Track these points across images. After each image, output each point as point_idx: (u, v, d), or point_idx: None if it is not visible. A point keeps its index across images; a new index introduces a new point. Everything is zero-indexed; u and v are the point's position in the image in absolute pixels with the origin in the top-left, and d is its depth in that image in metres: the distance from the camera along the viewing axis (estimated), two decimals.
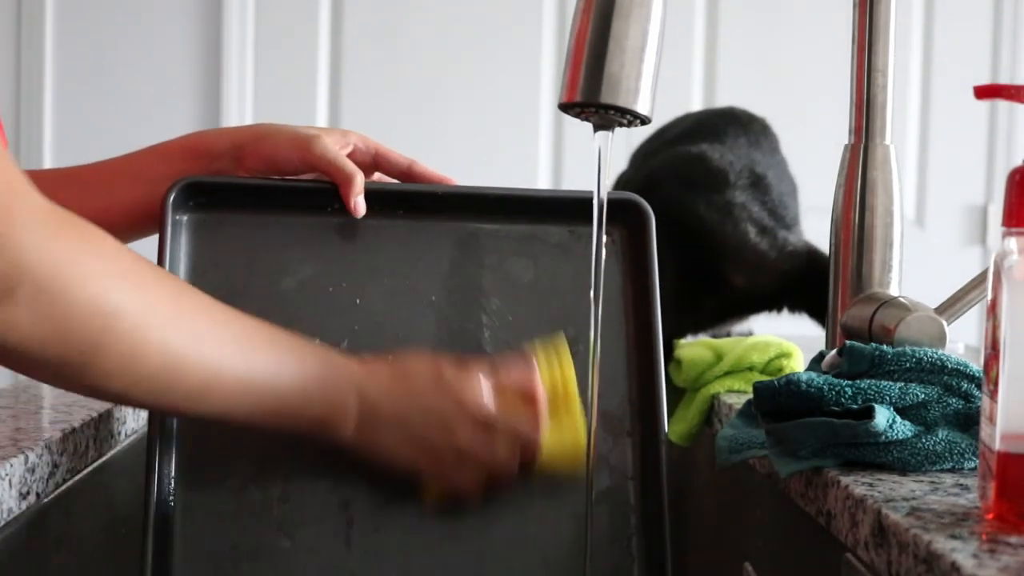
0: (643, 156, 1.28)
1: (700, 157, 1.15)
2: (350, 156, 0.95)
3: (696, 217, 1.10)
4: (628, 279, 0.98)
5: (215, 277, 0.92)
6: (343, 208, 0.92)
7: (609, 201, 0.91)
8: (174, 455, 0.89)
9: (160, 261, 0.90)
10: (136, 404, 0.76)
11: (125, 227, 0.95)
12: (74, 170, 0.99)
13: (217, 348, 0.75)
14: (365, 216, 0.94)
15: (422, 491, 0.86)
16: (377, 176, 0.99)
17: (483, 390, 0.82)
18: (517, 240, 0.98)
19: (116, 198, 0.95)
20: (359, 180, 0.91)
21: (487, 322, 0.97)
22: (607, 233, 0.94)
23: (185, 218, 0.95)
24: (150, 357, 0.71)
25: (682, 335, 1.16)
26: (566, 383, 0.86)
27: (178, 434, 0.89)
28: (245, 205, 0.96)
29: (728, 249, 1.10)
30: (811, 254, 1.12)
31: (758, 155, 1.25)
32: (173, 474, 0.89)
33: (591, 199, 0.83)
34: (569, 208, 0.98)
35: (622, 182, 1.23)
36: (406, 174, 0.98)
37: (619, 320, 0.96)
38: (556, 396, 0.85)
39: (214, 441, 0.90)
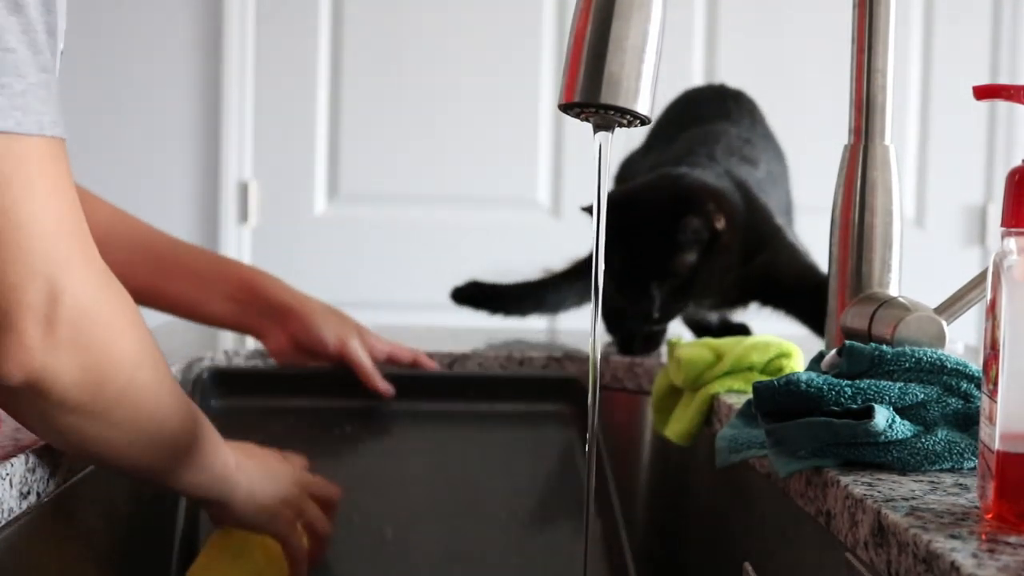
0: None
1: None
2: (370, 352, 1.16)
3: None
4: (580, 450, 1.12)
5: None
6: (359, 394, 1.13)
7: (554, 380, 1.17)
8: None
9: None
10: (114, 458, 0.79)
11: (145, 301, 1.09)
12: (151, 234, 1.12)
13: (171, 425, 0.80)
14: (371, 400, 1.13)
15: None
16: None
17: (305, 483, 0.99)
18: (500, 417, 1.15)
19: (164, 286, 1.09)
20: (372, 374, 1.14)
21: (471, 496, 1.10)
22: (556, 411, 1.14)
23: (213, 402, 1.11)
24: (151, 413, 0.76)
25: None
26: None
27: None
28: (267, 391, 1.14)
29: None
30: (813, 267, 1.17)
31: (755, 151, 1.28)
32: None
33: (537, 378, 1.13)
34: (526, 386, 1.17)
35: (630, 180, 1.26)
36: (413, 366, 1.20)
37: (576, 489, 1.09)
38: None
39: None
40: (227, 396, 1.12)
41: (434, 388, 1.17)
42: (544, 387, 1.17)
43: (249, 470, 0.91)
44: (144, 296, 1.10)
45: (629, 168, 1.40)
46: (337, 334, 1.13)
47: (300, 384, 1.14)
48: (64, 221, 0.67)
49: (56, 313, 0.66)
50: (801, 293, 1.17)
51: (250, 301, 1.12)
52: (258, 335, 1.15)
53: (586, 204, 1.25)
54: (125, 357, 0.72)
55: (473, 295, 1.47)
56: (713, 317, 1.32)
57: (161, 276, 1.10)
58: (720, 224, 1.13)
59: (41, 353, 0.65)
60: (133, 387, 0.73)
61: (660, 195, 1.15)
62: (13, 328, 0.64)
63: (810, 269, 1.20)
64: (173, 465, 0.83)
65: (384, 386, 1.14)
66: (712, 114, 1.35)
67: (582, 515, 0.99)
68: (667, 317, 1.19)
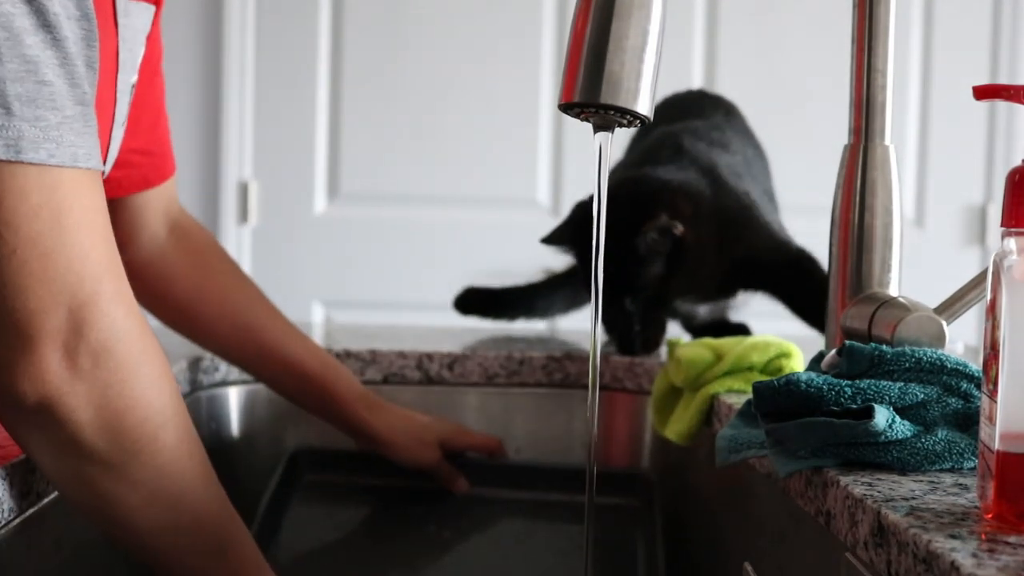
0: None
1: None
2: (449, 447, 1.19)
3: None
4: (645, 543, 1.12)
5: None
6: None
7: (623, 474, 1.18)
8: None
9: None
10: (126, 526, 0.75)
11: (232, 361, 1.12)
12: (260, 316, 1.11)
13: (196, 506, 0.76)
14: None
15: None
16: None
17: None
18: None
19: (263, 375, 1.12)
20: (458, 480, 1.18)
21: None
22: (618, 507, 1.14)
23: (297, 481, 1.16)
24: (174, 482, 0.74)
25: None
26: None
27: None
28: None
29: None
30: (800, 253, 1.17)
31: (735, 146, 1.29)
32: None
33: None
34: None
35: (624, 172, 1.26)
36: (493, 453, 1.22)
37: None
38: None
39: None
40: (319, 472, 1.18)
41: (507, 476, 1.20)
42: (612, 480, 1.17)
43: None
44: (241, 366, 1.13)
45: (611, 177, 1.39)
46: (417, 465, 1.16)
47: (375, 464, 1.18)
48: (92, 254, 0.67)
49: (78, 344, 0.66)
50: (778, 270, 1.17)
51: (345, 423, 1.14)
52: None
53: (583, 198, 1.26)
54: (150, 409, 0.71)
55: (473, 302, 1.47)
56: (702, 311, 1.32)
57: (263, 365, 1.11)
58: (678, 230, 1.13)
59: (57, 379, 0.66)
60: (155, 445, 0.72)
61: (619, 205, 1.15)
62: (33, 351, 0.65)
63: (786, 244, 1.20)
64: (193, 559, 0.78)
65: (461, 485, 1.19)
66: (684, 114, 1.35)
67: None
68: (652, 326, 1.19)
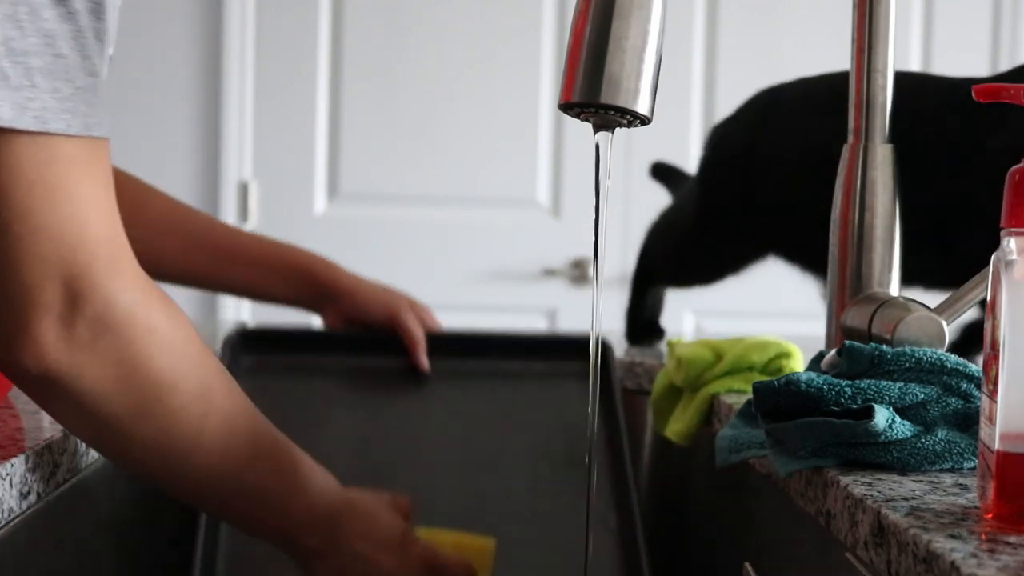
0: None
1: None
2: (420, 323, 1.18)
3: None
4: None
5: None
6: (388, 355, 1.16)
7: (570, 340, 1.20)
8: None
9: None
10: (149, 476, 0.82)
11: (207, 286, 1.21)
12: (210, 223, 1.22)
13: (224, 455, 0.79)
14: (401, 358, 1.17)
15: None
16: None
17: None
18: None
19: (225, 272, 1.16)
20: (424, 345, 1.16)
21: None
22: (570, 372, 1.16)
23: (244, 359, 1.13)
24: (183, 439, 0.76)
25: None
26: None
27: None
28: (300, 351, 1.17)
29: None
30: None
31: None
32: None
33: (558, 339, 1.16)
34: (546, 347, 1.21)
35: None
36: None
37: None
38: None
39: None
40: (258, 354, 1.16)
41: (462, 346, 1.20)
42: (569, 346, 1.20)
43: (350, 537, 0.86)
44: (205, 282, 1.19)
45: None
46: (387, 308, 1.17)
47: (331, 343, 1.19)
48: (91, 226, 0.68)
49: (75, 315, 0.67)
50: None
51: (306, 284, 1.18)
52: (316, 312, 1.22)
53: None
54: (160, 375, 0.72)
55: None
56: None
57: (221, 264, 1.16)
58: None
59: (56, 351, 0.67)
60: (165, 410, 0.73)
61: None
62: (29, 326, 0.67)
63: None
64: (223, 507, 0.83)
65: (423, 362, 1.17)
66: None
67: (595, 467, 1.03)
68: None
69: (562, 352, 1.19)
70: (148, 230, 1.08)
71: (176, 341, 0.74)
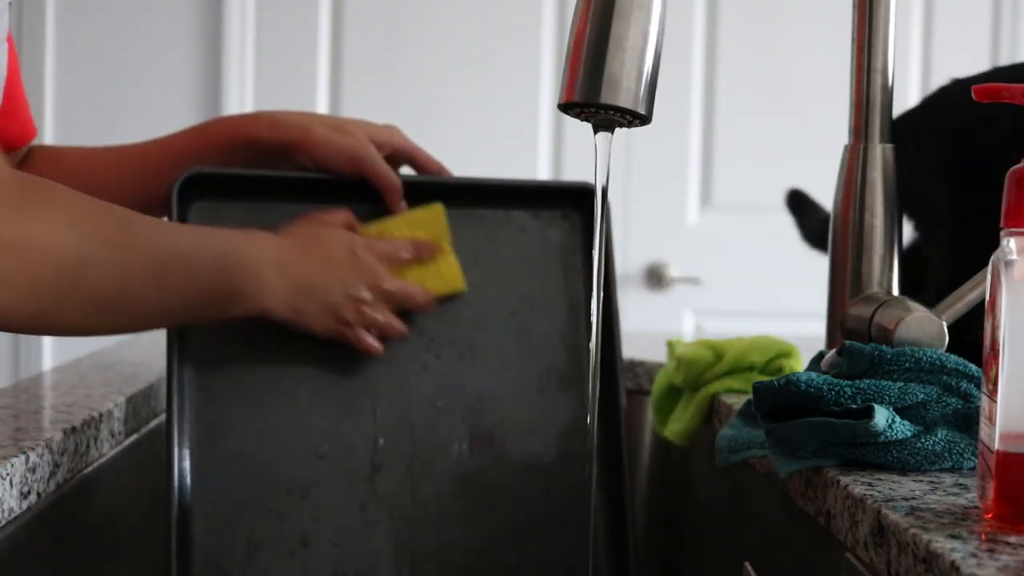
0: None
1: None
2: (387, 157, 1.05)
3: None
4: (587, 259, 1.08)
5: None
6: (350, 199, 1.02)
7: (566, 188, 1.12)
8: (188, 454, 0.95)
9: None
10: (99, 333, 0.87)
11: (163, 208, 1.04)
12: (126, 148, 1.07)
13: (155, 280, 0.81)
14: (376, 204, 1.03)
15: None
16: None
17: (385, 267, 0.97)
18: (490, 223, 1.09)
19: (162, 179, 1.01)
20: (400, 189, 1.03)
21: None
22: (565, 217, 1.09)
23: (192, 206, 1.00)
24: (114, 301, 0.79)
25: None
26: (441, 238, 1.04)
27: (192, 433, 0.95)
28: (251, 196, 1.02)
29: None
30: None
31: None
32: (189, 471, 0.93)
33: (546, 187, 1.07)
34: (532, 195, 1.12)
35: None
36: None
37: (578, 293, 1.07)
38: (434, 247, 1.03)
39: (232, 431, 0.96)
40: (210, 200, 1.00)
41: (448, 194, 1.08)
42: (557, 195, 1.12)
43: (295, 280, 0.91)
44: (144, 199, 1.01)
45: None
46: (349, 156, 1.01)
47: (293, 187, 1.03)
48: None
49: None
50: None
51: (245, 151, 1.02)
52: None
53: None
54: (61, 261, 0.73)
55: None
56: None
57: (154, 175, 1.02)
58: None
59: None
60: (84, 288, 0.75)
61: None
62: None
63: None
64: (180, 320, 0.88)
65: (401, 207, 1.04)
66: None
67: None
68: None
69: (550, 199, 1.11)
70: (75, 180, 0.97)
71: (71, 218, 0.75)
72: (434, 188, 1.07)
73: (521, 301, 1.07)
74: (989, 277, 0.57)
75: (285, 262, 0.91)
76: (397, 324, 0.98)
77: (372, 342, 0.97)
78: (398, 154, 1.07)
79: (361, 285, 0.95)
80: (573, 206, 1.10)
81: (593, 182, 0.79)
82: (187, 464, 0.94)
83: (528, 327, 1.06)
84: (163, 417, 1.04)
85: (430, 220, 1.04)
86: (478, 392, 1.03)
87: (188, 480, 0.94)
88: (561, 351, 1.05)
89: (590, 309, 1.06)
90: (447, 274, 1.04)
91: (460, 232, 1.06)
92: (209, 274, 0.86)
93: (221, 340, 0.97)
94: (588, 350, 1.04)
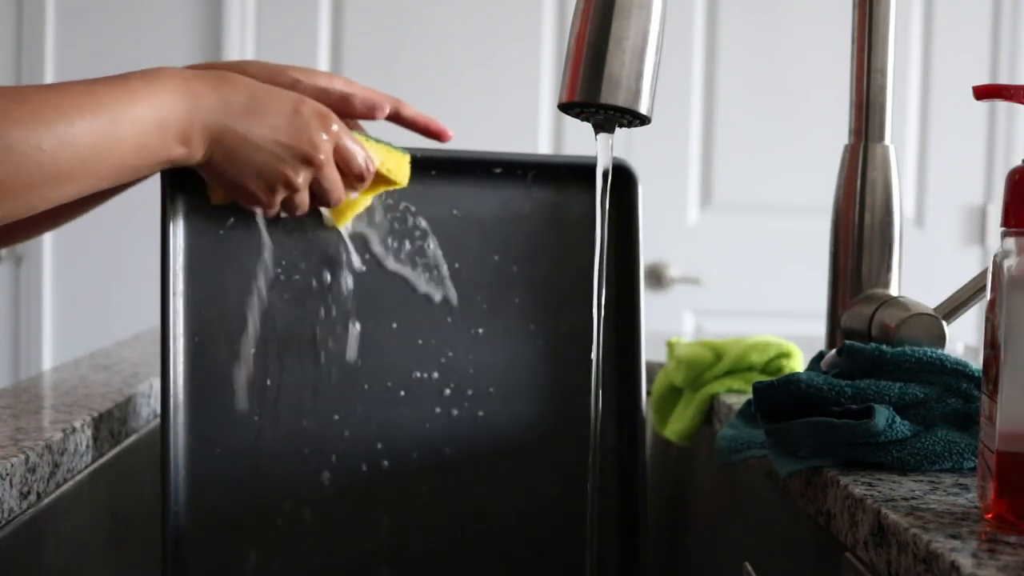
0: None
1: None
2: (339, 109, 0.96)
3: None
4: (612, 242, 1.02)
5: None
6: None
7: (575, 165, 1.02)
8: (183, 475, 0.91)
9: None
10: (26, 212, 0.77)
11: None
12: None
13: (72, 141, 0.75)
14: None
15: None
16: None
17: (326, 137, 0.86)
18: (507, 201, 1.01)
19: None
20: (380, 103, 0.97)
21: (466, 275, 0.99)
22: (591, 195, 0.98)
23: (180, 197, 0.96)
24: (31, 174, 0.73)
25: None
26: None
27: (188, 454, 0.92)
28: None
29: None
30: None
31: None
32: (184, 484, 0.91)
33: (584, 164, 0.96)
34: (561, 172, 1.02)
35: None
36: (394, 118, 1.01)
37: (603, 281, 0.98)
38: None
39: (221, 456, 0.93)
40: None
41: (455, 167, 1.01)
42: (566, 171, 1.02)
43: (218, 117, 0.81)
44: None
45: None
46: (288, 120, 0.87)
47: None
48: None
49: None
50: None
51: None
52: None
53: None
54: None
55: None
56: None
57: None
58: None
59: None
60: (5, 169, 0.72)
61: None
62: None
63: None
64: (99, 181, 0.78)
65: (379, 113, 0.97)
66: None
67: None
68: None
69: (570, 174, 1.03)
70: None
71: None
72: (442, 160, 1.00)
73: (536, 280, 1.00)
74: (989, 277, 0.57)
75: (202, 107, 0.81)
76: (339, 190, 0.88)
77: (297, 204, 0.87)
78: (348, 104, 0.99)
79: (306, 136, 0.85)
80: (583, 185, 1.02)
81: (596, 192, 0.79)
82: (181, 477, 0.92)
83: (543, 304, 1.00)
84: None
85: (397, 162, 0.96)
86: (487, 387, 0.99)
87: (182, 494, 0.92)
88: (576, 334, 0.99)
89: (613, 306, 1.00)
90: (396, 160, 0.95)
91: (473, 209, 1.00)
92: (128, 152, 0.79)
93: (216, 343, 0.95)
94: (604, 349, 0.95)
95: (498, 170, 1.00)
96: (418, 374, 0.98)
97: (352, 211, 0.96)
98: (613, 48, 0.71)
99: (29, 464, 0.75)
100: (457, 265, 0.99)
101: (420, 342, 0.98)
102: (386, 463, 0.98)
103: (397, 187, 0.96)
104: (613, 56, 0.71)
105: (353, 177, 0.89)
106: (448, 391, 0.99)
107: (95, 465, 0.90)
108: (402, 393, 0.98)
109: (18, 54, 2.43)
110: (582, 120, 0.76)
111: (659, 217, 2.48)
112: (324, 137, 0.85)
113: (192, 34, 2.55)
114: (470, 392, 0.99)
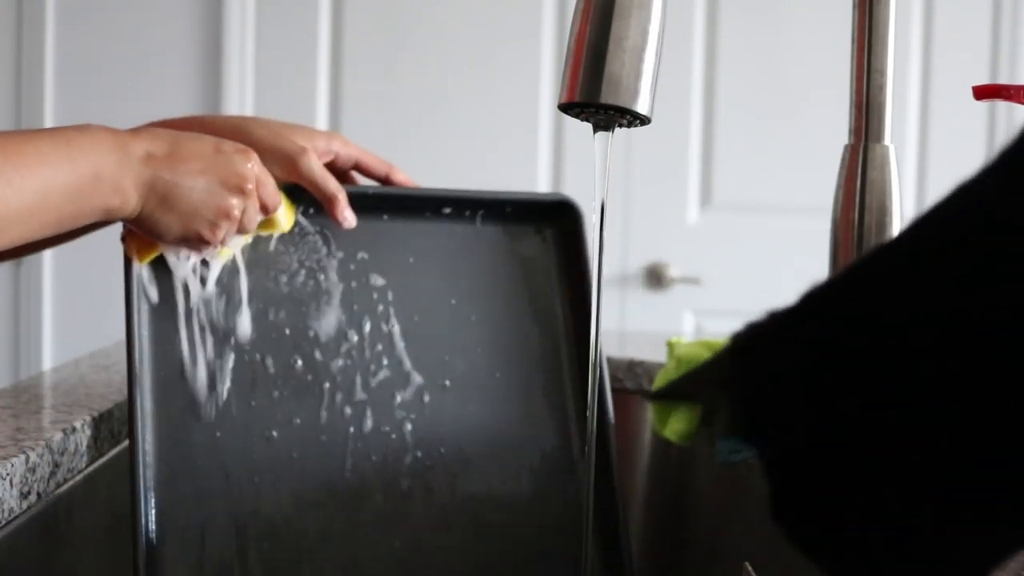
0: None
1: None
2: (331, 164, 1.02)
3: None
4: (563, 275, 1.05)
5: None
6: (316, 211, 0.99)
7: (541, 202, 1.07)
8: (153, 495, 0.90)
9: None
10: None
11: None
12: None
13: (20, 186, 0.76)
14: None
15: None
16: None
17: (251, 166, 0.88)
18: (468, 238, 1.04)
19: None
20: (343, 198, 0.97)
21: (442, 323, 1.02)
22: (538, 231, 1.05)
23: None
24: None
25: None
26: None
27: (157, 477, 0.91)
28: None
29: None
30: None
31: None
32: (154, 504, 0.91)
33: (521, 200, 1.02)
34: (505, 208, 1.05)
35: None
36: (384, 181, 1.07)
37: (555, 314, 1.04)
38: None
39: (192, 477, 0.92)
40: None
41: (403, 205, 1.03)
42: (532, 209, 1.05)
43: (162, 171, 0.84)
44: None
45: None
46: (281, 156, 0.97)
47: None
48: None
49: None
50: None
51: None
52: None
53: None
54: None
55: None
56: None
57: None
58: None
59: None
60: None
61: None
62: None
63: None
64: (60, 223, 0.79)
65: (344, 216, 0.98)
66: None
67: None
68: None
69: (522, 213, 1.05)
70: None
71: None
72: (391, 198, 1.03)
73: (494, 322, 1.03)
74: None
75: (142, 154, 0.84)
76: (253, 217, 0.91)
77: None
78: (342, 160, 1.04)
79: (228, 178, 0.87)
80: (547, 221, 1.05)
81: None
82: (152, 498, 0.90)
83: (503, 348, 1.02)
84: None
85: (287, 207, 0.97)
86: (454, 415, 0.99)
87: (153, 514, 0.89)
88: (539, 372, 1.02)
89: (571, 328, 1.04)
90: (287, 205, 0.96)
91: (420, 247, 1.02)
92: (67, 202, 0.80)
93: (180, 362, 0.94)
94: (567, 372, 1.02)
95: (447, 210, 1.04)
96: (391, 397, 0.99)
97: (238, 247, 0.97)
98: (613, 48, 0.72)
99: (29, 464, 0.75)
100: (416, 318, 1.01)
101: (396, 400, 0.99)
102: (359, 475, 0.96)
103: (278, 232, 0.97)
104: (613, 56, 0.72)
105: (268, 209, 0.92)
106: (416, 427, 0.99)
107: (95, 465, 0.90)
108: (369, 405, 0.99)
109: (18, 54, 2.43)
110: (582, 120, 0.76)
111: (659, 217, 2.49)
112: (249, 166, 0.87)
113: (192, 34, 2.55)
114: (447, 384, 1.00)
